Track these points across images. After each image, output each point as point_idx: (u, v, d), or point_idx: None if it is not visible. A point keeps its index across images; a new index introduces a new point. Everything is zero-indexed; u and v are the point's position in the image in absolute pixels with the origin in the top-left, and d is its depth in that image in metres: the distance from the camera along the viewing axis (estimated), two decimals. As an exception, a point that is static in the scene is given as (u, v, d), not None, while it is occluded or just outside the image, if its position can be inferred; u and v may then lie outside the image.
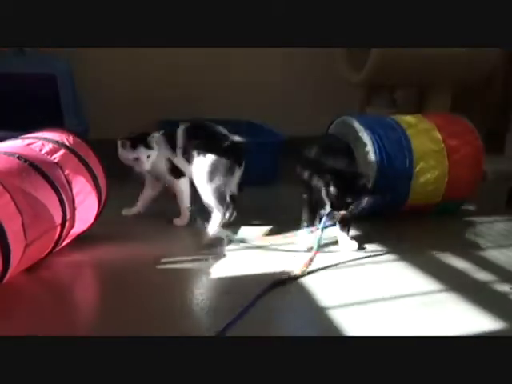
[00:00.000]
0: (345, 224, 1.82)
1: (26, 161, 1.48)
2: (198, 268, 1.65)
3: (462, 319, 1.38)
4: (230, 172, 1.89)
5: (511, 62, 3.22)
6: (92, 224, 1.76)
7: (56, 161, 1.59)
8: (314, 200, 1.81)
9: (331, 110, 2.33)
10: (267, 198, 2.38)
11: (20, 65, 2.56)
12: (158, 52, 2.94)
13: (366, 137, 2.01)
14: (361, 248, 1.82)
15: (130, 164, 1.93)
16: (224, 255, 1.74)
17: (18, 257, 1.32)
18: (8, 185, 1.34)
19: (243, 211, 1.98)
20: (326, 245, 1.81)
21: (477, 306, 1.44)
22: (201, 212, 1.92)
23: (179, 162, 1.95)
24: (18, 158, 1.48)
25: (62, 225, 1.53)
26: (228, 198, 1.90)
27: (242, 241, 1.83)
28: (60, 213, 1.51)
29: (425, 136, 2.08)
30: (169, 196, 2.02)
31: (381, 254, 1.78)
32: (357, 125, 2.05)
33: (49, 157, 1.58)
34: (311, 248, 1.71)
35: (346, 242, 1.82)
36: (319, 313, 1.40)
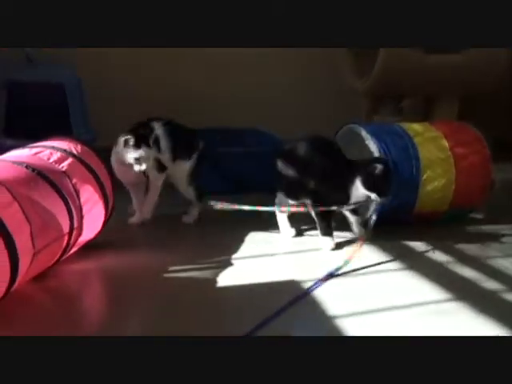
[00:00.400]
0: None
1: (34, 170, 1.49)
2: (204, 276, 1.65)
3: (471, 328, 1.37)
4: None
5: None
6: (99, 232, 1.77)
7: (64, 169, 1.59)
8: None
9: (338, 119, 2.34)
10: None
11: (29, 74, 2.58)
12: (166, 62, 2.98)
13: (372, 145, 2.01)
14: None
15: (126, 164, 1.92)
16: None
17: (26, 266, 1.33)
18: (16, 194, 1.34)
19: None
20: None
21: (485, 315, 1.43)
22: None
23: (164, 159, 2.03)
24: (26, 167, 1.49)
25: (70, 233, 1.54)
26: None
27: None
28: (68, 221, 1.52)
29: (432, 144, 2.08)
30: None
31: (387, 263, 1.78)
32: (363, 133, 2.05)
33: (57, 166, 1.59)
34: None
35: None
36: (327, 321, 1.39)
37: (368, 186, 1.81)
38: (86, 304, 1.56)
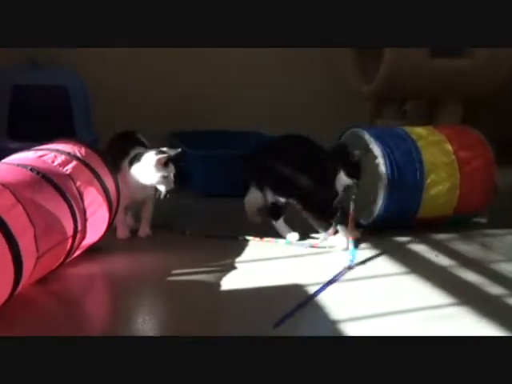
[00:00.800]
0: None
1: (38, 173, 1.49)
2: (208, 280, 1.65)
3: (474, 333, 1.37)
4: None
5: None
6: (103, 235, 1.77)
7: (68, 172, 1.60)
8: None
9: (341, 122, 2.34)
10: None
11: (32, 77, 2.59)
12: (169, 65, 2.98)
13: (376, 148, 2.00)
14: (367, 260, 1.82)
15: (152, 183, 1.86)
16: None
17: (29, 269, 1.33)
18: (20, 196, 1.35)
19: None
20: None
21: (488, 319, 1.43)
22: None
23: None
24: (30, 169, 1.49)
25: (74, 236, 1.54)
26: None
27: None
28: (71, 224, 1.52)
29: (436, 148, 2.07)
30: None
31: (390, 267, 1.77)
32: (367, 136, 2.05)
33: (61, 169, 1.59)
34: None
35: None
36: (330, 325, 1.39)
37: (351, 174, 1.87)
38: (90, 307, 1.57)
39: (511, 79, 3.00)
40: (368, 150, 2.02)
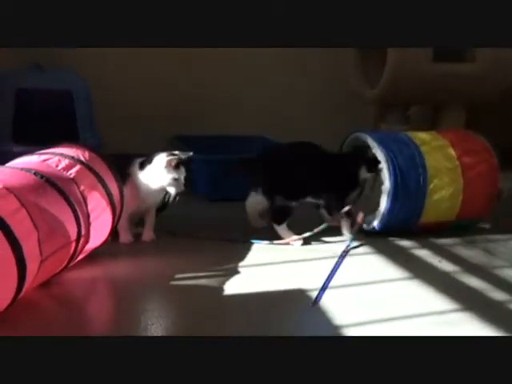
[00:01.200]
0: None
1: (42, 177, 1.50)
2: (212, 284, 1.65)
3: (477, 339, 1.37)
4: None
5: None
6: (106, 239, 1.77)
7: (72, 176, 1.60)
8: None
9: (345, 127, 2.34)
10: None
11: (36, 80, 2.59)
12: (171, 68, 2.99)
13: (379, 153, 2.01)
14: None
15: (162, 185, 1.86)
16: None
17: (33, 273, 1.33)
18: (24, 200, 1.35)
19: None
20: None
21: (492, 325, 1.43)
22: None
23: None
24: (34, 173, 1.50)
25: (77, 240, 1.54)
26: None
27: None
28: (75, 228, 1.52)
29: (439, 153, 2.07)
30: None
31: (392, 273, 1.77)
32: (370, 141, 2.05)
33: (65, 173, 1.60)
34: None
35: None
36: (332, 331, 1.39)
37: (370, 169, 2.05)
38: (92, 311, 1.57)
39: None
40: (372, 155, 2.04)
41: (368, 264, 1.84)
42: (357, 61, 3.03)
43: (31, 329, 1.35)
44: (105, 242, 1.77)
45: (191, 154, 1.92)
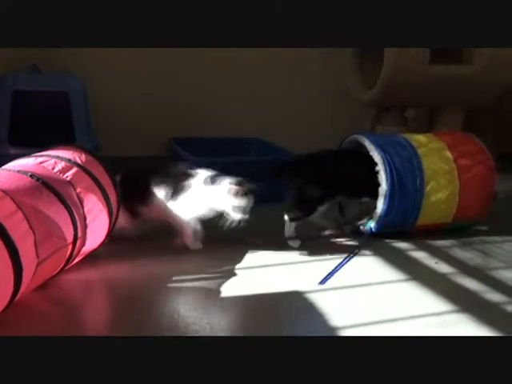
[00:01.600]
0: None
1: (38, 179, 1.50)
2: (208, 286, 1.65)
3: (473, 341, 1.37)
4: None
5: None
6: (103, 242, 1.77)
7: (68, 179, 1.60)
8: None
9: (342, 129, 2.34)
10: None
11: (34, 82, 2.59)
12: (169, 70, 2.99)
13: (376, 155, 2.01)
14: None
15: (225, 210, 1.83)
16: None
17: (29, 275, 1.33)
18: (21, 203, 1.35)
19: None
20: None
21: (488, 326, 1.43)
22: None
23: None
24: (30, 176, 1.50)
25: (74, 243, 1.54)
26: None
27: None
28: (71, 231, 1.52)
29: (436, 155, 2.08)
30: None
31: (389, 274, 1.77)
32: (367, 143, 2.05)
33: (61, 175, 1.59)
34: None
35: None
36: (329, 333, 1.39)
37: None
38: (89, 313, 1.56)
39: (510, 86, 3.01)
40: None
41: (365, 265, 1.84)
42: (354, 63, 3.04)
43: (27, 331, 1.35)
44: (102, 245, 1.77)
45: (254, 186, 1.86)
